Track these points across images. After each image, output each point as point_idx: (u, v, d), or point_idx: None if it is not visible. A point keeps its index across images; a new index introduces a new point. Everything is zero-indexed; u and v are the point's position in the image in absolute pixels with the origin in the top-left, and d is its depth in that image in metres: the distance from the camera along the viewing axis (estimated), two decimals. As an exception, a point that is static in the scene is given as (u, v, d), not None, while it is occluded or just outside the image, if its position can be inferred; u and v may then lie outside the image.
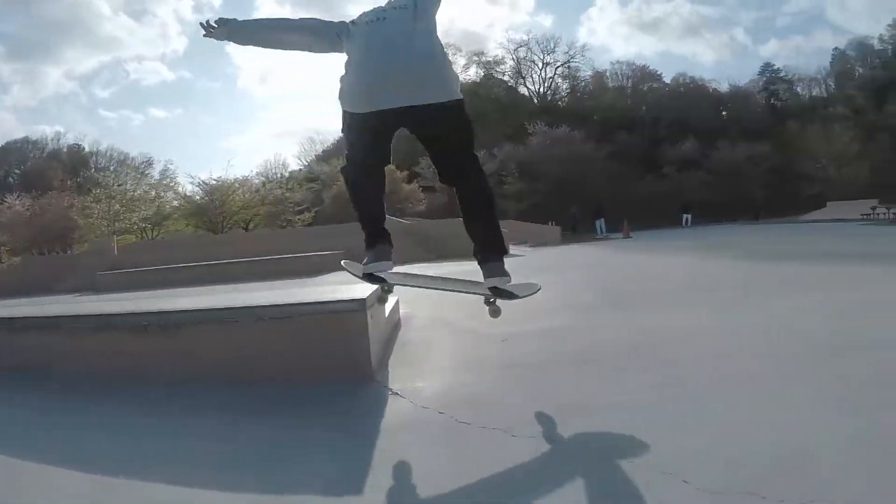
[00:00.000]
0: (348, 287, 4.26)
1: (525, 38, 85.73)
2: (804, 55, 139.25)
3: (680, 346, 3.95)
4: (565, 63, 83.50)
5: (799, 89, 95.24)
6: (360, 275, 3.37)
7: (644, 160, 64.48)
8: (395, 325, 5.01)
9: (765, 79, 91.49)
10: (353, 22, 3.28)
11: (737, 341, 3.93)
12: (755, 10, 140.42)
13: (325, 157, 63.99)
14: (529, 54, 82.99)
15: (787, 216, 47.16)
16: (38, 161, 65.66)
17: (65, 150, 70.17)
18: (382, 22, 3.13)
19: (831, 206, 45.07)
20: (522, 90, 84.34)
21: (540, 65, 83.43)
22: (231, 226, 41.68)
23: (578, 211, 37.05)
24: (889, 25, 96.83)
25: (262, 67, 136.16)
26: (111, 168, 48.77)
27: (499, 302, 3.24)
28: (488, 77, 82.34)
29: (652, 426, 2.42)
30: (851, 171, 55.45)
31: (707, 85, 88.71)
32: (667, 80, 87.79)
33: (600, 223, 32.50)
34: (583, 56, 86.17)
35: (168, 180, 49.41)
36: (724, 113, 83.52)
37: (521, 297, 3.31)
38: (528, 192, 51.51)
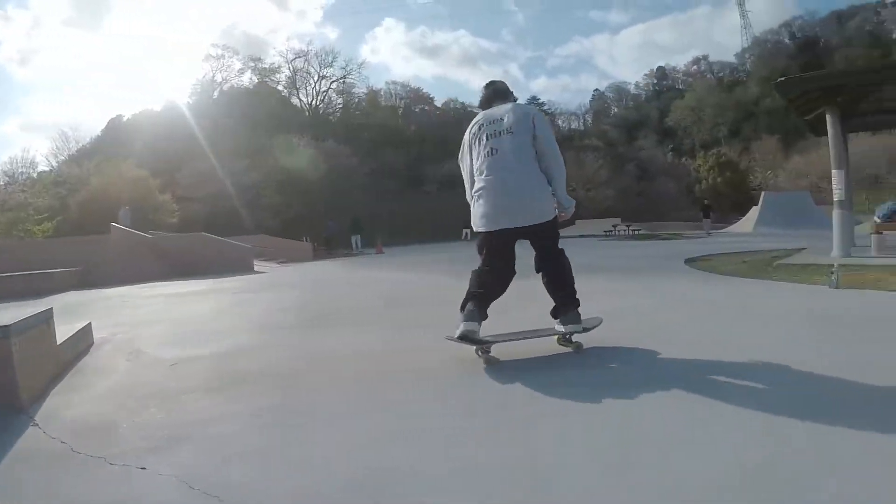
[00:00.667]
0: (4, 313, 4.08)
1: (305, 48, 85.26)
2: (569, 92, 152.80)
3: (330, 369, 4.17)
4: (341, 78, 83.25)
5: (560, 122, 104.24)
6: (456, 338, 4.10)
7: (408, 178, 66.11)
8: (78, 352, 4.89)
9: None
10: (475, 142, 4.34)
11: (381, 364, 4.21)
12: (531, 49, 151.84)
13: (79, 156, 58.51)
14: (307, 66, 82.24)
15: None
16: None
17: None
18: (497, 156, 4.15)
19: (579, 224, 49.48)
20: (295, 101, 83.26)
21: (316, 77, 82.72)
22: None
23: (335, 225, 35.78)
24: (645, 75, 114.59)
25: (24, 46, 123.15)
26: None
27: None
28: (262, 85, 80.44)
29: (239, 456, 2.57)
30: (599, 193, 61.04)
31: (476, 111, 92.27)
32: (438, 103, 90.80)
33: (356, 239, 32.11)
34: (359, 73, 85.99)
35: None
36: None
37: (590, 329, 4.39)
38: (288, 205, 49.50)
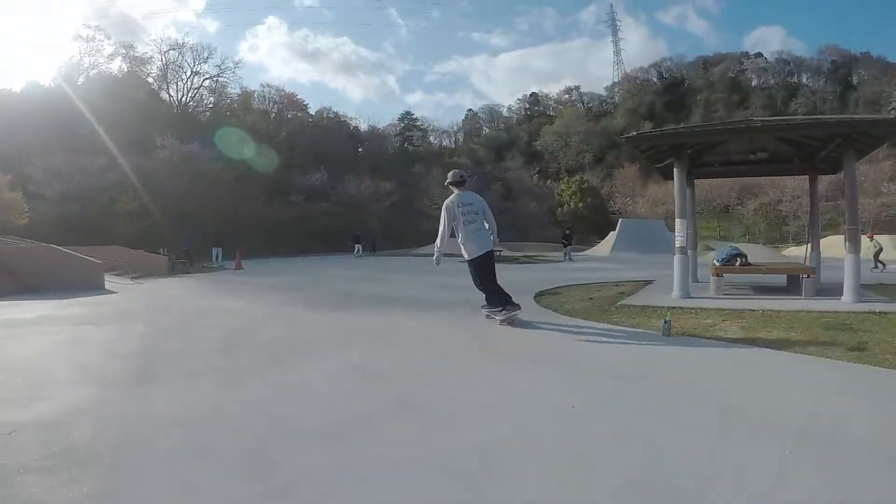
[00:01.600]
0: None
1: (181, 40, 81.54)
2: (443, 109, 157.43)
3: (146, 442, 3.99)
4: (216, 76, 79.99)
5: (432, 138, 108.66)
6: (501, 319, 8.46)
7: (274, 186, 64.31)
8: None
9: (403, 125, 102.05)
10: (461, 213, 8.53)
11: (196, 435, 4.09)
12: (410, 63, 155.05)
13: None
14: (181, 59, 77.99)
15: (404, 247, 52.05)
16: None
17: None
18: (473, 223, 8.51)
19: None
20: (164, 96, 78.53)
21: (189, 72, 78.67)
22: None
23: (193, 234, 33.21)
24: (519, 99, 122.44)
25: None
26: None
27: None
28: (132, 74, 74.81)
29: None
30: None
31: (349, 122, 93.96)
32: (312, 111, 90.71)
33: (217, 251, 30.83)
34: (234, 73, 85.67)
35: None
36: (360, 150, 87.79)
37: (517, 309, 8.61)
38: (147, 212, 45.31)
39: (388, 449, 3.73)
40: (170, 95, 78.85)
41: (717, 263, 12.29)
